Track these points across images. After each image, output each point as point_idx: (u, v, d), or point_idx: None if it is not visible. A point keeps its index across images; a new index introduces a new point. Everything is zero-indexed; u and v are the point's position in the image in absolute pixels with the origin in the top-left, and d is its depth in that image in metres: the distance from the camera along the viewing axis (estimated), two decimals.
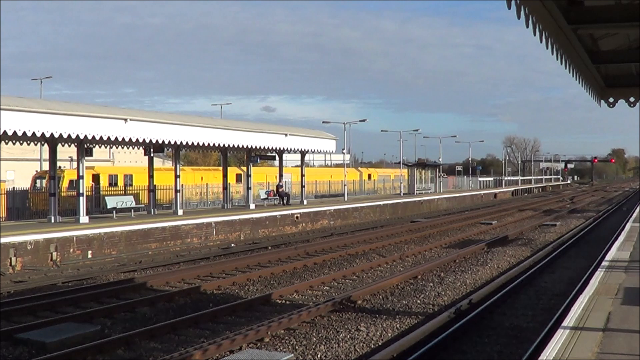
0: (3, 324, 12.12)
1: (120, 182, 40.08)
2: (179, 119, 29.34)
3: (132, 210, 28.45)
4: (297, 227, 32.34)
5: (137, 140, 26.34)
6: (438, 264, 19.41)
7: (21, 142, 24.39)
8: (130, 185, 39.34)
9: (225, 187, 34.74)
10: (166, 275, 17.61)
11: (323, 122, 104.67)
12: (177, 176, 30.18)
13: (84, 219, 24.86)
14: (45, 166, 36.70)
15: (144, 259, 21.79)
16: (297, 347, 10.55)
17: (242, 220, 29.11)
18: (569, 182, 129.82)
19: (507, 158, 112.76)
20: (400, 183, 53.81)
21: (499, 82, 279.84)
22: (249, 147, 32.96)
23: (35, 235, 20.37)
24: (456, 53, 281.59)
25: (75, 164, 27.95)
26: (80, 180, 25.58)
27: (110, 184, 39.28)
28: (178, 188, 30.19)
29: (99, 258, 21.65)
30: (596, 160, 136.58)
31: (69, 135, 23.34)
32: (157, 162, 39.65)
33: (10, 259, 19.18)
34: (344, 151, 52.35)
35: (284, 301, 14.44)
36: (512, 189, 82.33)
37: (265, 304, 14.03)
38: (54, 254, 20.49)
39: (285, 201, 36.84)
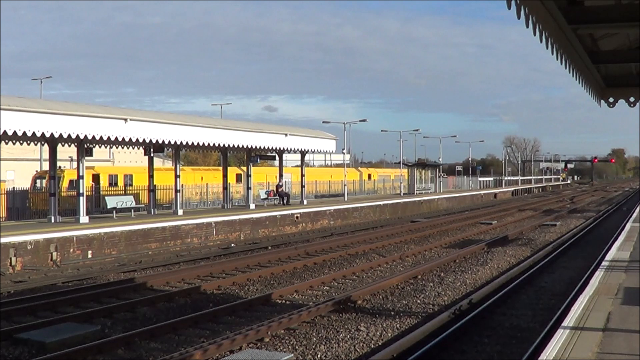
0: (3, 324, 12.12)
1: (120, 182, 40.08)
2: (179, 119, 29.34)
3: (132, 210, 28.46)
4: (297, 227, 32.34)
5: (137, 140, 26.35)
6: (438, 264, 19.41)
7: (21, 142, 24.39)
8: (130, 185, 39.33)
9: (225, 187, 34.75)
10: (166, 275, 17.61)
11: (323, 122, 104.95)
12: (177, 176, 30.20)
13: (84, 219, 24.86)
14: (45, 166, 36.69)
15: (144, 259, 21.80)
16: (297, 347, 10.54)
17: (242, 220, 29.11)
18: (568, 182, 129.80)
19: (507, 158, 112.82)
20: (400, 183, 53.80)
21: (501, 82, 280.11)
22: (249, 147, 32.97)
23: (35, 235, 20.37)
24: (458, 52, 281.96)
25: (75, 164, 27.95)
26: (80, 180, 25.59)
27: (110, 184, 39.28)
28: (178, 188, 30.20)
29: (99, 258, 21.66)
30: (596, 160, 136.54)
31: (69, 135, 23.35)
32: (157, 162, 39.66)
33: (10, 259, 19.18)
34: (344, 151, 52.40)
35: (284, 301, 14.44)
36: (512, 189, 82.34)
37: (265, 304, 14.03)
38: (54, 254, 20.49)
39: (285, 201, 36.84)
